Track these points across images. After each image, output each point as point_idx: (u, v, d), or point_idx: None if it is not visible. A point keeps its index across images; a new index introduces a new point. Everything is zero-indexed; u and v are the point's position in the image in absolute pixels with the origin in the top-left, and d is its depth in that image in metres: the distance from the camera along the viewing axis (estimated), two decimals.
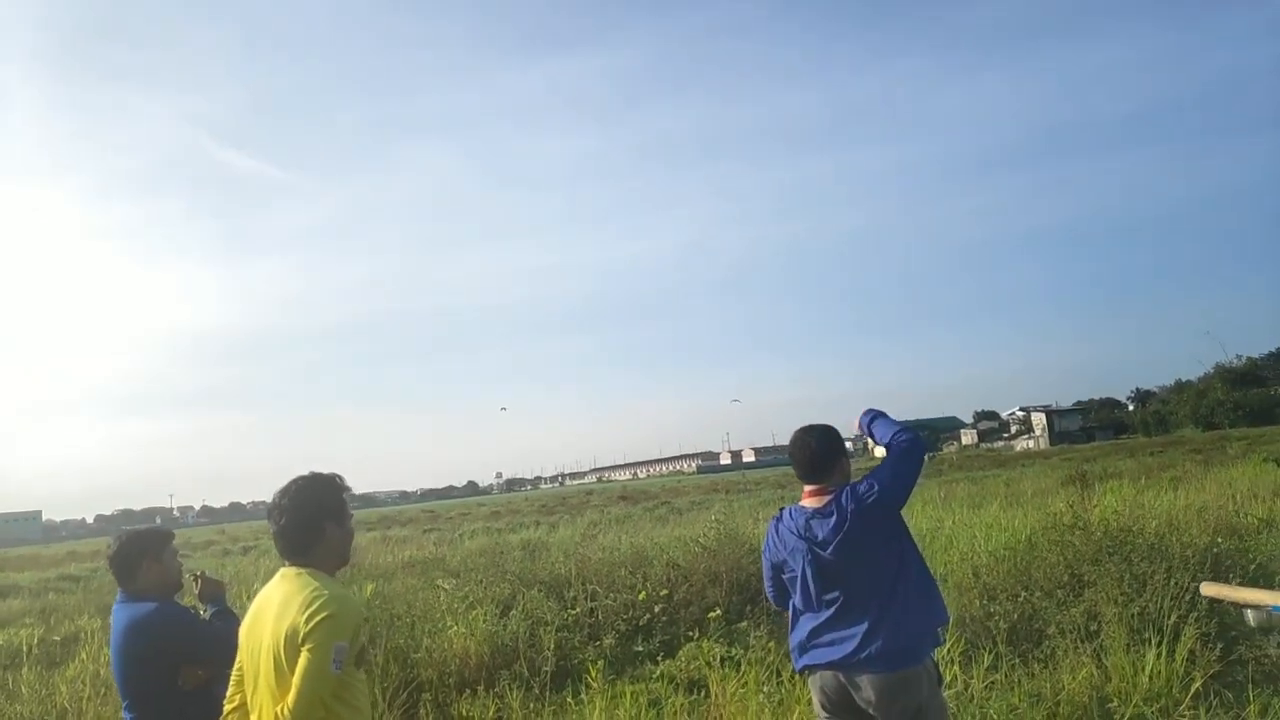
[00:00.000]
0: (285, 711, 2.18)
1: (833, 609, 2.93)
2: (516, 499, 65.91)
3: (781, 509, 3.19)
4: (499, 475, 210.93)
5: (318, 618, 2.21)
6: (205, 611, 3.13)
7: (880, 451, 3.23)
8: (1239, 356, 75.38)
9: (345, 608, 2.28)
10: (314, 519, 2.40)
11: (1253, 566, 5.98)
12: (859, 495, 2.94)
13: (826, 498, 3.00)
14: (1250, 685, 4.53)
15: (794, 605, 3.07)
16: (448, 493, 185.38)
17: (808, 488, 3.09)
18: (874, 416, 3.23)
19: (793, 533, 3.03)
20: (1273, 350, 78.67)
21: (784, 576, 3.10)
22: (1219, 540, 6.98)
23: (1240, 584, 5.19)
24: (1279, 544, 7.29)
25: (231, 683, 2.52)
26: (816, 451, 3.08)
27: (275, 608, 2.32)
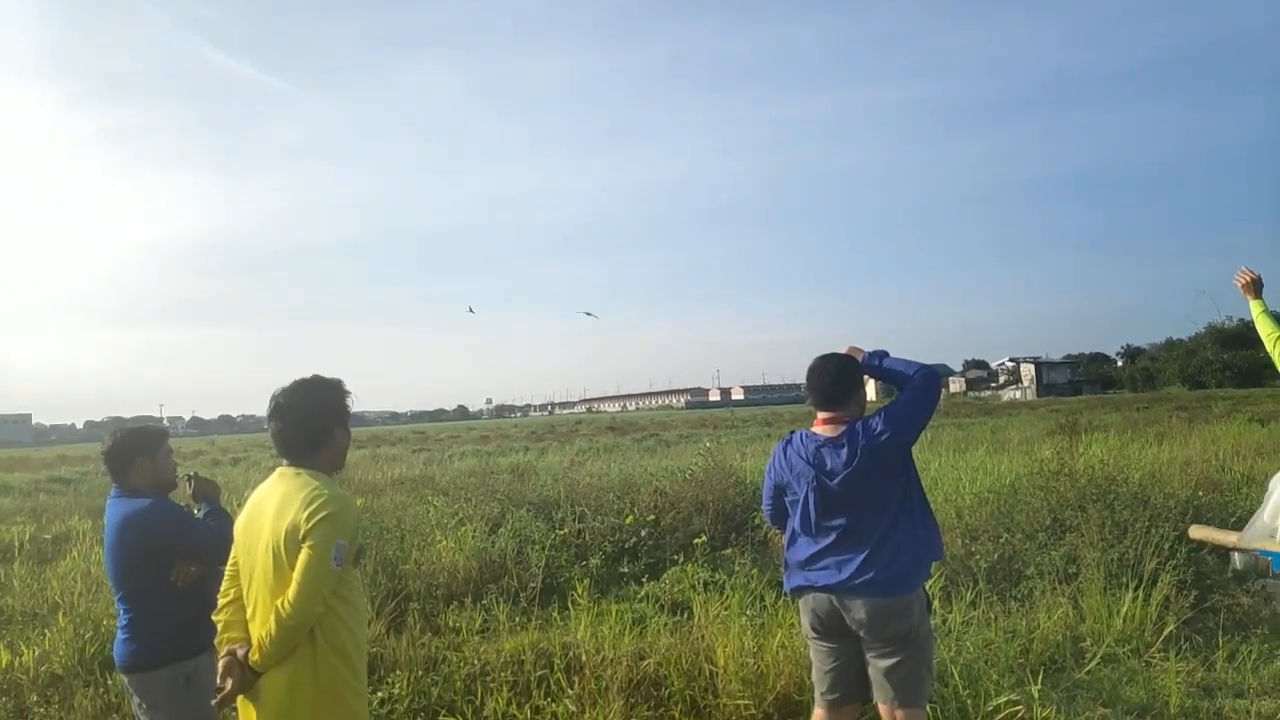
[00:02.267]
0: (285, 605, 2.21)
1: (833, 535, 2.96)
2: (506, 425, 66.32)
3: (792, 432, 3.19)
4: (489, 401, 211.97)
5: (319, 515, 2.24)
6: (199, 510, 3.15)
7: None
8: (1231, 318, 75.74)
9: (345, 507, 2.31)
10: (321, 420, 2.41)
11: (1232, 520, 6.06)
12: (872, 431, 2.94)
13: (840, 428, 3.00)
14: (1220, 632, 4.65)
15: (793, 527, 3.09)
16: (437, 415, 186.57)
17: (821, 415, 3.08)
18: (883, 355, 3.19)
19: (801, 457, 3.03)
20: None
21: (786, 499, 3.12)
22: (1200, 493, 7.09)
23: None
24: (1259, 499, 7.40)
25: (226, 577, 2.54)
26: (835, 379, 3.07)
27: (275, 505, 2.34)
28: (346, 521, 2.29)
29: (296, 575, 2.22)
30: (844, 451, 2.94)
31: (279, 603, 2.23)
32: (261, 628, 2.28)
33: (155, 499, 2.99)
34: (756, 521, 7.05)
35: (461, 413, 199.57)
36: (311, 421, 2.40)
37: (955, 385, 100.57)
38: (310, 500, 2.27)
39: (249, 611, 2.38)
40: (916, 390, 3.03)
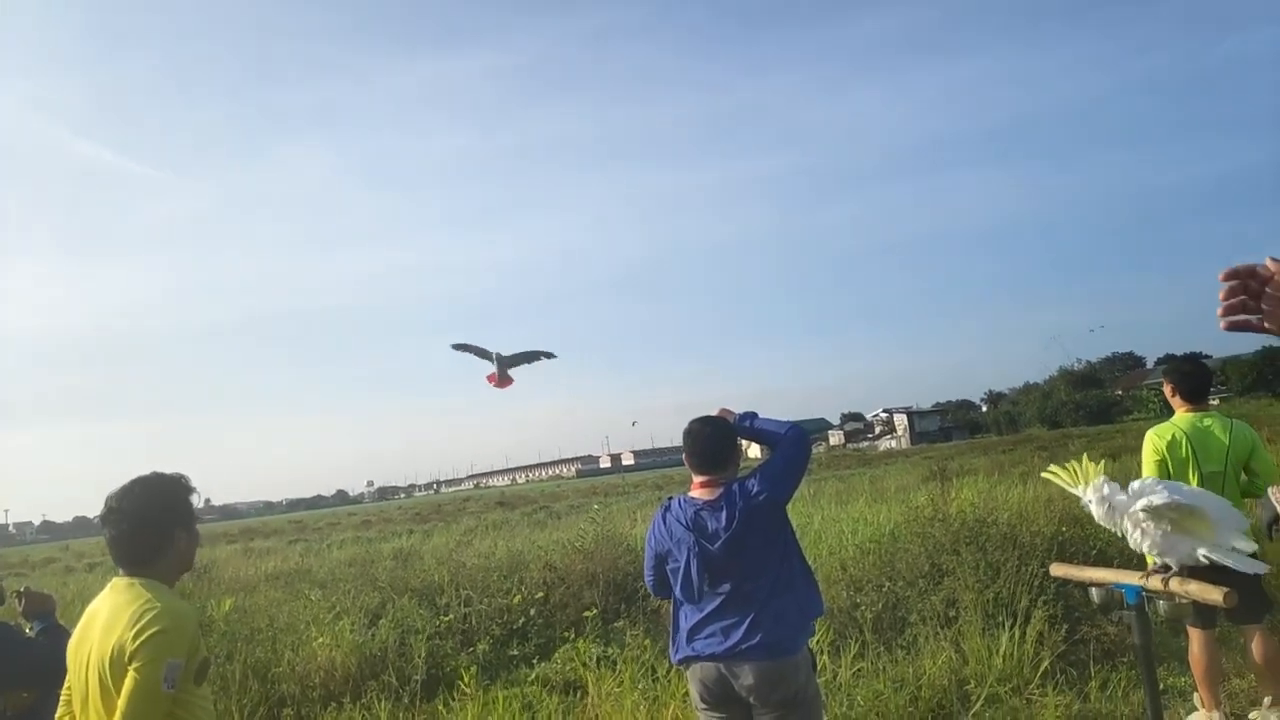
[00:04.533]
0: None
1: (716, 601, 2.92)
2: (389, 508, 64.00)
3: (669, 498, 3.15)
4: (370, 484, 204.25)
5: (147, 633, 2.02)
6: (31, 629, 2.85)
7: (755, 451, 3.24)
8: (1079, 360, 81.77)
9: (179, 621, 2.08)
10: (162, 525, 2.19)
11: (1094, 552, 6.39)
12: (749, 491, 2.95)
13: (718, 490, 2.99)
14: (1091, 662, 4.85)
15: (675, 597, 3.04)
16: (316, 502, 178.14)
17: (698, 479, 3.06)
18: (753, 416, 3.22)
19: (681, 523, 3.00)
20: (1109, 354, 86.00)
21: (667, 567, 3.07)
22: (1063, 529, 7.44)
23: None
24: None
25: (61, 702, 2.29)
26: (716, 443, 3.07)
27: (102, 622, 2.11)
28: (180, 638, 2.06)
29: (121, 703, 1.99)
30: (723, 514, 2.93)
31: None
32: None
33: None
34: (644, 591, 6.97)
35: (341, 497, 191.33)
36: (151, 526, 2.18)
37: (835, 438, 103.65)
38: (139, 616, 2.05)
39: None
40: (787, 449, 3.07)
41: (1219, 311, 1.26)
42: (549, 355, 6.46)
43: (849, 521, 9.87)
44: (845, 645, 5.21)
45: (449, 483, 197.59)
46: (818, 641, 4.99)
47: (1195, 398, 4.21)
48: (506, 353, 6.33)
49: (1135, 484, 2.67)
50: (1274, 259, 1.24)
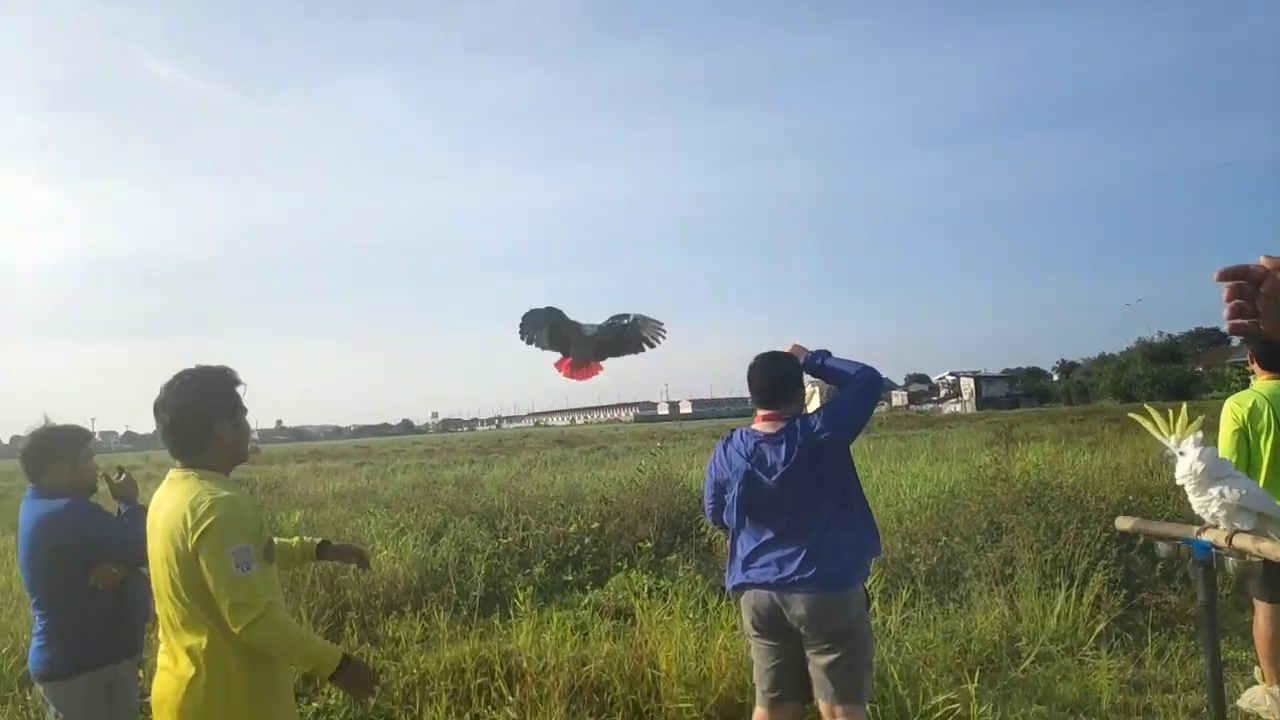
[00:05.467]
0: (231, 626, 2.06)
1: (772, 533, 2.96)
2: (452, 439, 65.49)
3: (732, 431, 3.19)
4: (435, 415, 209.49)
5: (204, 525, 2.07)
6: (119, 510, 3.03)
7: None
8: (1160, 333, 78.52)
9: (232, 509, 2.12)
10: (204, 416, 2.24)
11: (1162, 519, 6.25)
12: (811, 428, 2.96)
13: (780, 424, 3.01)
14: (1149, 629, 4.78)
15: (734, 525, 3.09)
16: (382, 430, 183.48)
17: (761, 412, 3.09)
18: (825, 355, 3.19)
19: (740, 454, 3.04)
20: (1192, 329, 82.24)
21: (726, 496, 3.11)
22: (1130, 497, 7.28)
23: None
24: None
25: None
26: (777, 377, 3.08)
27: (163, 515, 2.19)
28: (236, 524, 2.10)
29: (216, 594, 2.06)
30: (782, 448, 2.96)
31: (233, 629, 2.08)
32: (173, 638, 2.18)
33: (72, 499, 2.87)
34: (701, 528, 7.06)
35: (407, 427, 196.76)
36: (193, 416, 2.23)
37: (898, 399, 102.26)
38: (193, 509, 2.10)
39: (162, 624, 2.23)
40: (857, 389, 3.06)
41: (1224, 314, 1.20)
42: (653, 334, 3.89)
43: (908, 477, 9.79)
44: (897, 594, 5.23)
45: (510, 419, 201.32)
46: (870, 586, 5.02)
47: (1276, 364, 4.06)
48: (592, 325, 3.89)
49: (1214, 459, 2.59)
50: (1268, 258, 1.17)
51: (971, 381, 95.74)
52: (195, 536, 2.07)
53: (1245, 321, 1.17)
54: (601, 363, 3.99)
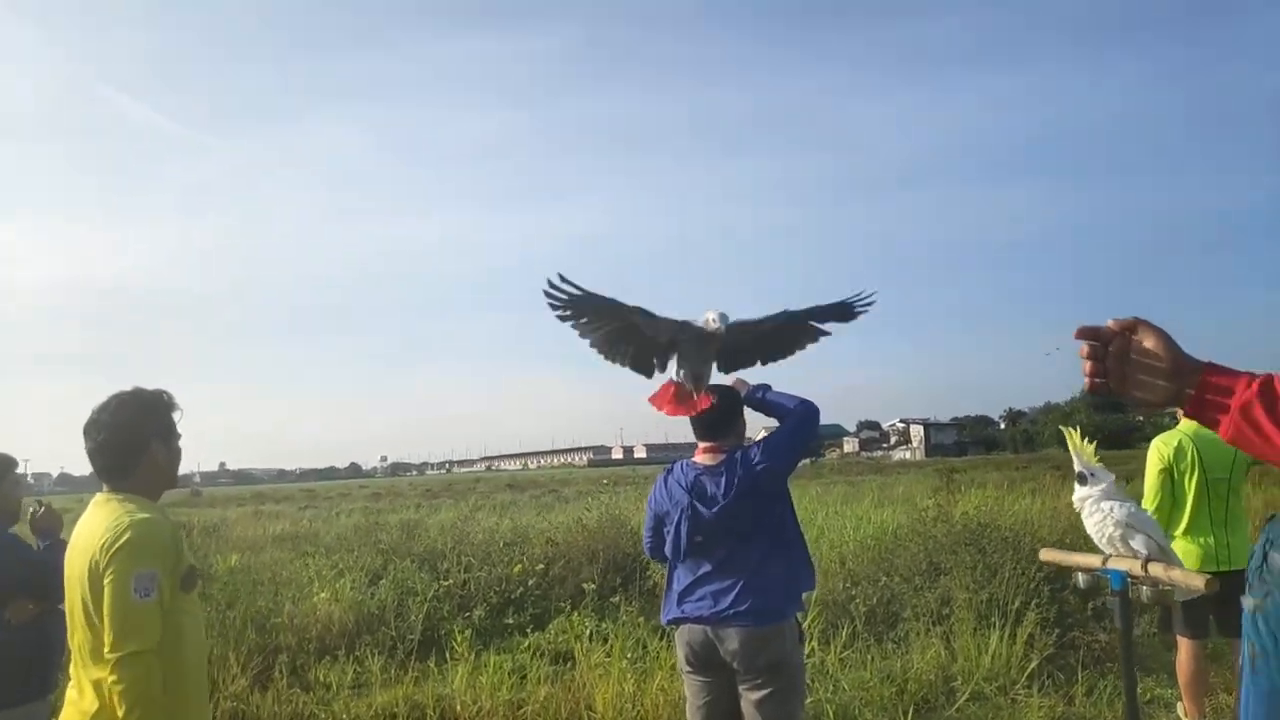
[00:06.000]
0: (108, 651, 1.98)
1: (710, 565, 2.96)
2: (400, 483, 64.44)
3: (673, 462, 3.20)
4: (383, 458, 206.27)
5: (114, 546, 2.02)
6: (37, 544, 2.94)
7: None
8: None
9: (148, 531, 2.06)
10: (140, 435, 2.20)
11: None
12: (750, 460, 2.98)
13: (720, 457, 3.03)
14: (1079, 668, 4.86)
15: (672, 558, 3.09)
16: (329, 473, 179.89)
17: (702, 445, 3.11)
18: (766, 388, 3.22)
19: (681, 486, 3.04)
20: None
21: (665, 529, 3.11)
22: (1067, 539, 7.42)
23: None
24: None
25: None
26: (719, 409, 3.11)
27: (83, 536, 2.13)
28: (148, 548, 2.04)
29: (104, 617, 2.00)
30: (722, 480, 2.97)
31: (106, 653, 2.01)
32: (80, 671, 2.10)
33: None
34: (648, 569, 7.02)
35: (354, 470, 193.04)
36: (133, 435, 2.18)
37: (849, 445, 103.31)
38: (110, 529, 2.05)
39: (75, 656, 2.15)
40: (795, 422, 3.10)
41: (1084, 372, 1.21)
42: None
43: (852, 519, 9.88)
44: (836, 635, 5.24)
45: (461, 463, 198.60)
46: (809, 625, 5.03)
47: None
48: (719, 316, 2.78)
49: (1112, 483, 2.68)
50: (1115, 320, 1.21)
51: (921, 429, 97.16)
52: (106, 556, 2.02)
53: (1100, 381, 1.21)
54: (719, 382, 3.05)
